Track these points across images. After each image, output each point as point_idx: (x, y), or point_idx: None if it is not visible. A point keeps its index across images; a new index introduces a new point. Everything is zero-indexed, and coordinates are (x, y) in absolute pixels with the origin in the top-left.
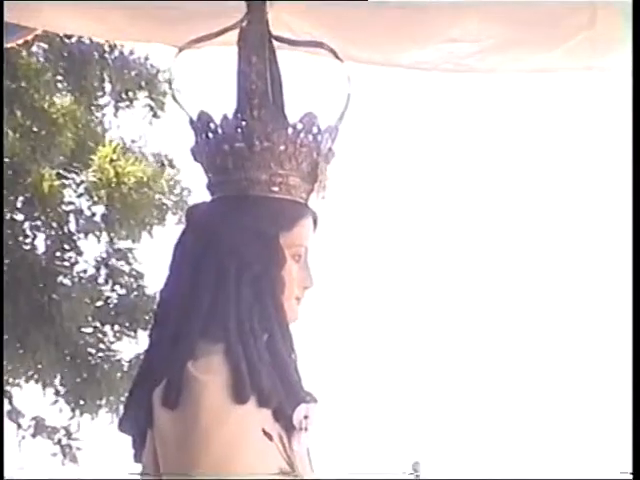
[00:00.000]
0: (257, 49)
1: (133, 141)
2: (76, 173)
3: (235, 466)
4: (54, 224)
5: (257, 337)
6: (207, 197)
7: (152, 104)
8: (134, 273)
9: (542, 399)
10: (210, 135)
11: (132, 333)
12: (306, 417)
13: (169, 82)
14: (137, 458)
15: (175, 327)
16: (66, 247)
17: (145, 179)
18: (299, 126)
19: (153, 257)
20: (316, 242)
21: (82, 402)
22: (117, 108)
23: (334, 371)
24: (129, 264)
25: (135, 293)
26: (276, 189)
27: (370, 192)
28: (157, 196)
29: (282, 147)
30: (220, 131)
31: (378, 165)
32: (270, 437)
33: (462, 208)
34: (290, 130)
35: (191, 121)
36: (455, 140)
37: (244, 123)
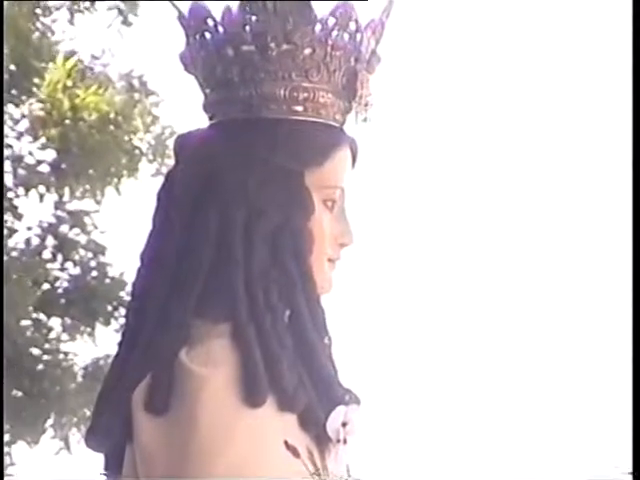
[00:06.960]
0: None
1: (95, 58)
2: (15, 104)
3: None
4: None
5: (276, 314)
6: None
7: (121, 6)
8: (93, 246)
9: (542, 399)
10: (207, 35)
11: (89, 329)
12: (345, 424)
13: None
14: None
15: (161, 303)
16: None
17: (112, 113)
18: (331, 21)
19: (121, 223)
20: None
21: (20, 424)
22: (72, 13)
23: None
24: (86, 233)
25: (94, 274)
26: (299, 109)
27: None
28: (128, 137)
29: (307, 51)
30: (221, 29)
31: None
32: (295, 452)
33: (460, 205)
34: (318, 27)
35: (181, 17)
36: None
37: (254, 18)
